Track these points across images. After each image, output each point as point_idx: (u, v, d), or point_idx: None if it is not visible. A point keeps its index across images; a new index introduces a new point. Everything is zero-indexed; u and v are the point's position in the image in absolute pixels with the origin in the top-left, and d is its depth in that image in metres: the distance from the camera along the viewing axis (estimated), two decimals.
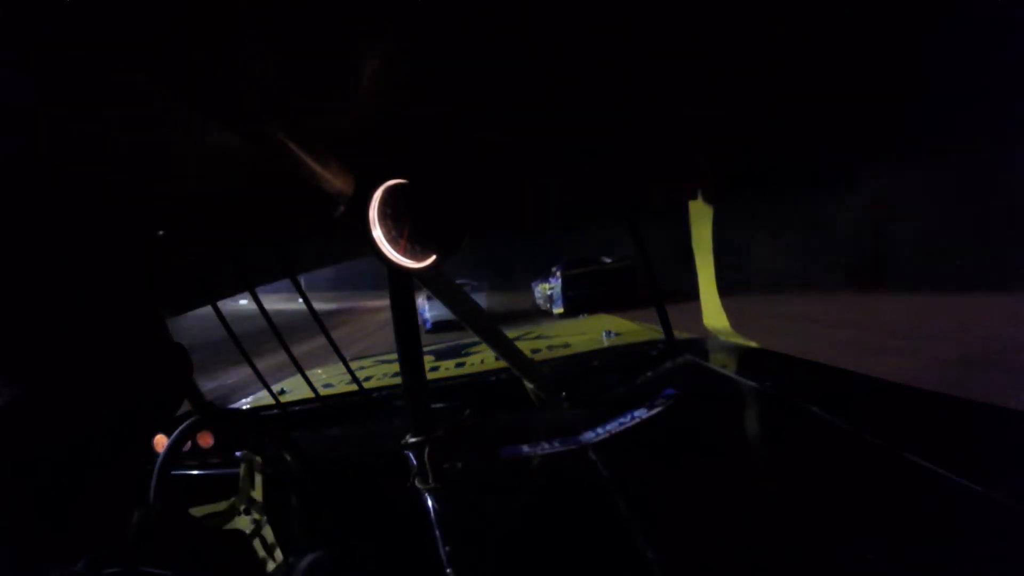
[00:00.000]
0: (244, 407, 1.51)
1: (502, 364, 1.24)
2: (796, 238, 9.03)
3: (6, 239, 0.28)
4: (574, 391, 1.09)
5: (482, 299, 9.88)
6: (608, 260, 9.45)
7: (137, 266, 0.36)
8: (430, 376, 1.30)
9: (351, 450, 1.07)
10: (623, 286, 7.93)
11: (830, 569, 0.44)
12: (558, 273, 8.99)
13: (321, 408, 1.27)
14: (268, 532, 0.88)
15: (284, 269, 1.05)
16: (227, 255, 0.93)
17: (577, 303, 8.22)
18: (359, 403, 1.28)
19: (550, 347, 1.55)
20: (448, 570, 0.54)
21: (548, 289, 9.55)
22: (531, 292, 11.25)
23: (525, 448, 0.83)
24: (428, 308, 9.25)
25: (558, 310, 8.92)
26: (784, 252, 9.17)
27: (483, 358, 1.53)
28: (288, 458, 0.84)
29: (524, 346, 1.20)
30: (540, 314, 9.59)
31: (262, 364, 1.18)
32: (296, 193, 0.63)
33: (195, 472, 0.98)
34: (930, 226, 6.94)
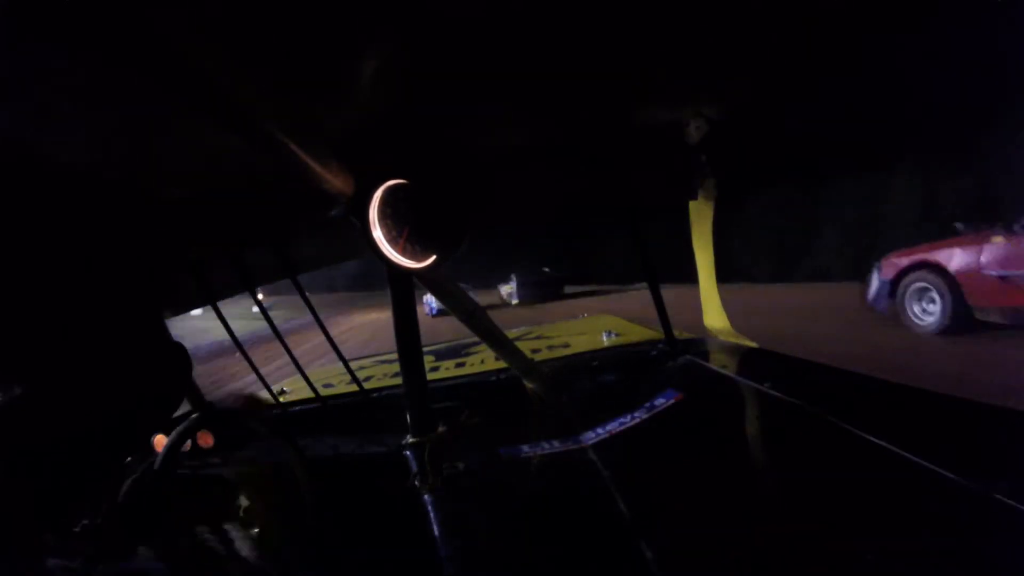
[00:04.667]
0: None
1: (502, 364, 1.24)
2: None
3: (6, 240, 0.28)
4: (574, 391, 1.09)
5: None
6: None
7: (137, 266, 0.36)
8: (430, 376, 1.29)
9: (351, 450, 1.07)
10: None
11: (830, 569, 0.44)
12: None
13: (321, 408, 1.27)
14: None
15: (284, 269, 1.05)
16: (227, 255, 0.93)
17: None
18: (359, 403, 1.28)
19: (550, 347, 1.55)
20: (448, 570, 0.54)
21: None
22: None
23: (525, 448, 0.83)
24: (517, 289, 12.62)
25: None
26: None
27: (483, 358, 1.53)
28: (288, 458, 0.84)
29: (524, 346, 1.19)
30: (602, 291, 13.29)
31: None
32: (296, 193, 0.63)
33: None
34: None
